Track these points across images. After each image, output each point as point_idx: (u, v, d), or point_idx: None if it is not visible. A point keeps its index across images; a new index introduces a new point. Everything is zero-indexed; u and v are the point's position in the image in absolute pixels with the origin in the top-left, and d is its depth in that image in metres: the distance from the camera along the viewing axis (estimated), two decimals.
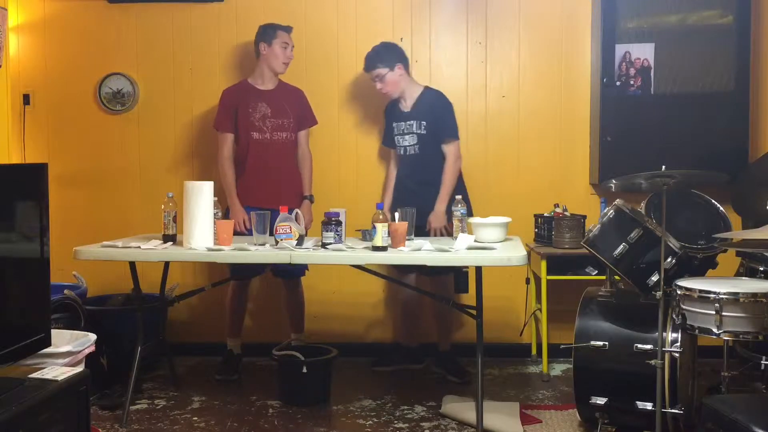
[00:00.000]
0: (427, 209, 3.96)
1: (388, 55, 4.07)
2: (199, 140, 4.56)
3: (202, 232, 3.35)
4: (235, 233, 3.57)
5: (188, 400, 3.77)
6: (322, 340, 4.54)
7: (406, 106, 4.13)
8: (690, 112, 4.23)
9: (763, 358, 3.00)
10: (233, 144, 4.17)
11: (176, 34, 4.54)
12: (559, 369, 4.27)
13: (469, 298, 3.53)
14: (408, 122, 4.11)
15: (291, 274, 4.18)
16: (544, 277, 4.06)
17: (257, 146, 4.10)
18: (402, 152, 4.15)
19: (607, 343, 3.09)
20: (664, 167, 2.92)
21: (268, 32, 4.14)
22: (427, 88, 4.16)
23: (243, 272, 4.10)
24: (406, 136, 4.12)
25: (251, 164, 4.11)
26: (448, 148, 4.04)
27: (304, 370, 3.65)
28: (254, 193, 4.08)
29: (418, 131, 4.06)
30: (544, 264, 4.04)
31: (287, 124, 4.15)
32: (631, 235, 3.05)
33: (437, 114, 4.07)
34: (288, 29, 4.18)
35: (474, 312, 3.38)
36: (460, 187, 4.06)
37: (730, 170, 3.89)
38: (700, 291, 2.77)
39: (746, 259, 3.44)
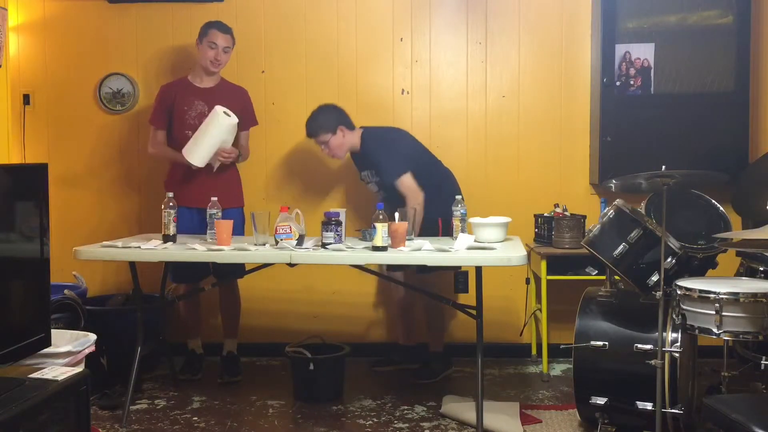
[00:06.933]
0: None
1: (327, 120, 3.95)
2: None
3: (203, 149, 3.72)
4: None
5: (188, 400, 3.77)
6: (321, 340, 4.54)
7: (358, 157, 4.10)
8: (690, 112, 4.23)
9: (763, 358, 2.99)
10: (165, 140, 4.05)
11: (176, 34, 4.53)
12: (559, 369, 4.27)
13: (469, 298, 3.52)
14: (363, 172, 4.09)
15: (228, 276, 4.02)
16: (544, 277, 4.06)
17: None
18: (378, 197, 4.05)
19: (607, 343, 3.09)
20: (664, 167, 2.92)
21: (202, 30, 4.02)
22: (364, 131, 4.04)
23: (186, 276, 4.03)
24: (370, 185, 4.10)
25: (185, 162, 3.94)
26: (401, 185, 3.88)
27: (311, 367, 3.70)
28: (186, 192, 3.93)
29: (375, 179, 4.04)
30: (544, 264, 4.04)
31: None
32: (631, 235, 3.05)
33: (375, 159, 3.96)
34: (223, 29, 3.99)
35: (474, 312, 3.38)
36: (455, 187, 4.04)
37: (730, 170, 3.90)
38: (700, 291, 2.77)
39: (746, 259, 3.44)
